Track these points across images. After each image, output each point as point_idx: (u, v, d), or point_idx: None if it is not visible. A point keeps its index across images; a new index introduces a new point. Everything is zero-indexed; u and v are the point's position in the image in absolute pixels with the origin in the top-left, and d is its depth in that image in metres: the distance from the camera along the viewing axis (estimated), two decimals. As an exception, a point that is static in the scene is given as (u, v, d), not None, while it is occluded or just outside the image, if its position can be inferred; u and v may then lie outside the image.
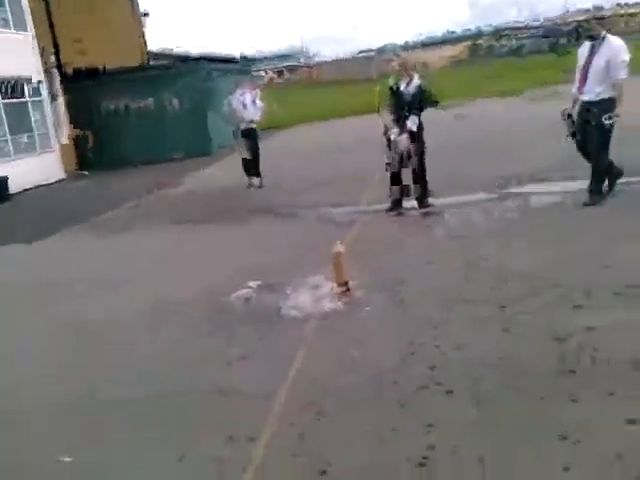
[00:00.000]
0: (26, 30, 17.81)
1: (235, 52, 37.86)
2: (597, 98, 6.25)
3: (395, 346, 3.80)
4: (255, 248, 6.84)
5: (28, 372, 4.33)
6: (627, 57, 6.22)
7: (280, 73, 58.24)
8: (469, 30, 65.42)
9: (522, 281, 4.56)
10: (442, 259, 5.40)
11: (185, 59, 20.27)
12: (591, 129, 6.32)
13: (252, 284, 5.51)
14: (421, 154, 7.37)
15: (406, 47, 52.57)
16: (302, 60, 77.37)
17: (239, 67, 24.52)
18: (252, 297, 5.22)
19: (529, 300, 4.21)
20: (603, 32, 6.34)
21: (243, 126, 11.01)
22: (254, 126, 11.12)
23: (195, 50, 31.30)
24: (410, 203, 7.47)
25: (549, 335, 3.64)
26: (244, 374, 3.79)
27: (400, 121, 7.36)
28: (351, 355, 3.77)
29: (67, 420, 3.58)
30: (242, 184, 11.01)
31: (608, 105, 6.19)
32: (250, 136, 11.07)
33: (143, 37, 25.23)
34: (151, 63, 23.81)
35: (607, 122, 6.17)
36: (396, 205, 7.45)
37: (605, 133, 6.26)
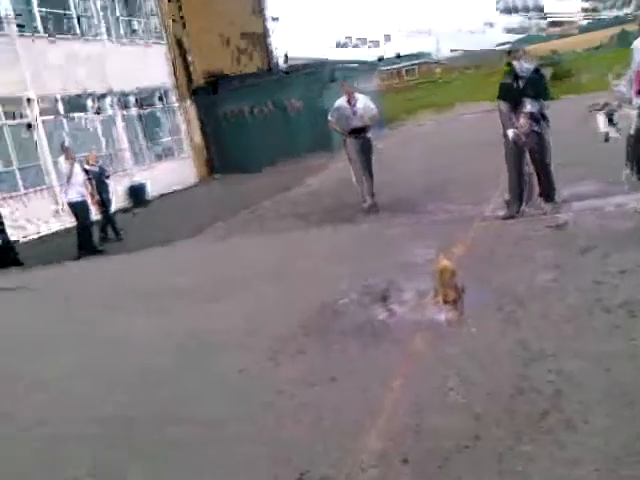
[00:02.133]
0: (160, 40, 18.82)
1: (367, 56, 37.63)
2: None
3: (503, 380, 3.26)
4: (362, 253, 6.54)
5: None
6: None
7: (408, 72, 57.27)
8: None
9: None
10: (567, 277, 4.70)
11: (309, 64, 20.33)
12: None
13: (354, 294, 5.20)
14: (544, 150, 6.64)
15: (546, 38, 49.66)
16: (434, 56, 75.62)
17: (365, 68, 24.24)
18: (351, 308, 4.90)
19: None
20: None
21: (353, 135, 8.90)
22: (368, 136, 8.97)
23: (328, 54, 31.61)
24: (533, 208, 6.74)
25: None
26: (330, 399, 3.45)
27: (517, 108, 6.62)
28: (448, 389, 3.30)
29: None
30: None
31: None
32: (363, 148, 8.93)
33: (270, 41, 25.76)
34: (276, 68, 24.24)
35: None
36: (514, 210, 6.74)
37: None
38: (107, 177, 11.48)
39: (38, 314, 6.81)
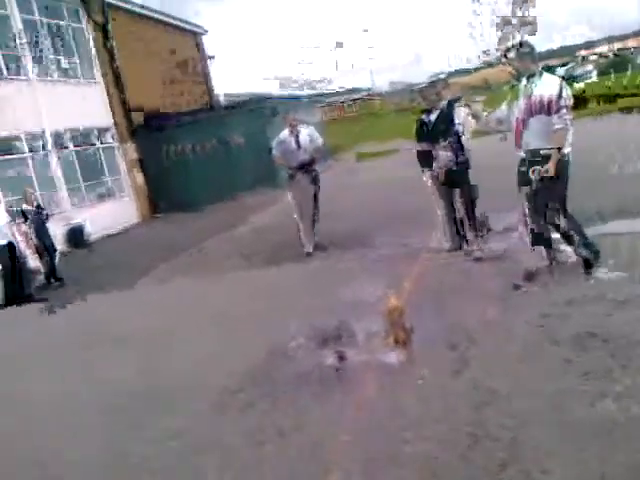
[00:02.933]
0: (94, 79, 18.47)
1: (303, 92, 38.09)
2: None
3: (458, 428, 3.14)
4: (309, 293, 6.38)
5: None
6: None
7: (349, 105, 58.40)
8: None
9: (608, 345, 3.77)
10: (514, 311, 4.67)
11: (252, 99, 20.33)
12: None
13: (302, 337, 5.04)
14: (469, 198, 6.40)
15: (476, 68, 51.42)
16: (371, 90, 77.46)
17: (306, 101, 24.45)
18: (299, 353, 4.72)
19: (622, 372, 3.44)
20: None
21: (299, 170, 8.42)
22: (315, 169, 8.58)
23: (262, 90, 31.73)
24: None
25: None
26: (278, 458, 3.24)
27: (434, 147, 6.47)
28: (401, 439, 3.15)
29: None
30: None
31: None
32: (311, 182, 8.51)
33: (209, 79, 25.76)
34: (217, 104, 24.20)
35: None
36: (457, 244, 6.71)
37: None
38: (46, 218, 10.92)
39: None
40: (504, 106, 5.37)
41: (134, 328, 6.54)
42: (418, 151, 6.74)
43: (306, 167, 8.40)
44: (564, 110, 4.77)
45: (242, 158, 19.06)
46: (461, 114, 5.73)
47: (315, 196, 8.54)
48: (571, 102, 4.83)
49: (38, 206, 10.82)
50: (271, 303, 6.40)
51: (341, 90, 65.96)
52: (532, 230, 5.26)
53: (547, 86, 4.84)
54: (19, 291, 9.42)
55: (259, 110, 18.95)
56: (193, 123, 19.45)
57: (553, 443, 2.83)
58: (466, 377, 3.69)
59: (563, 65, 32.68)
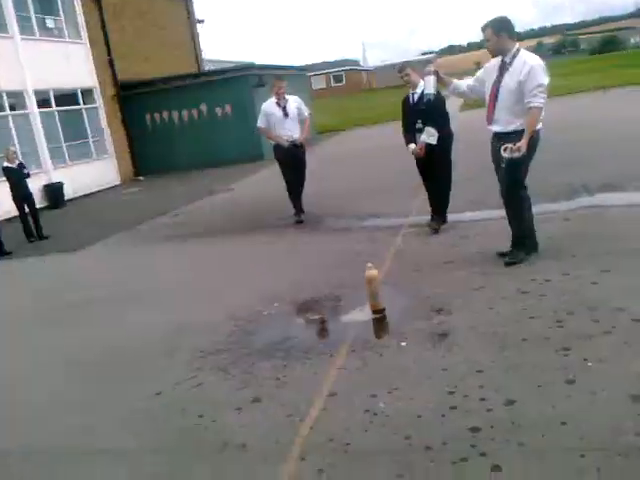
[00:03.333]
0: (80, 39, 18.01)
1: (292, 62, 37.60)
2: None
3: (431, 397, 3.13)
4: (287, 264, 6.32)
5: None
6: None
7: (337, 78, 57.79)
8: (532, 30, 63.30)
9: (593, 313, 3.81)
10: (492, 284, 4.66)
11: (238, 67, 19.93)
12: None
13: (276, 305, 5.00)
14: (441, 166, 6.43)
15: (469, 47, 51.19)
16: (362, 64, 76.75)
17: (294, 72, 24.10)
18: (277, 320, 4.68)
19: (602, 340, 3.45)
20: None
21: (284, 143, 8.03)
22: (297, 141, 8.10)
23: (250, 59, 31.23)
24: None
25: (627, 391, 2.89)
26: (253, 423, 3.20)
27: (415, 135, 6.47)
28: (377, 406, 3.13)
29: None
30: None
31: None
32: (297, 156, 8.17)
33: (197, 45, 25.21)
34: (204, 70, 23.73)
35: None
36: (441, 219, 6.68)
37: None
38: (28, 175, 10.70)
39: None
40: (479, 74, 5.21)
41: (100, 291, 6.45)
42: (403, 128, 6.65)
43: (291, 140, 8.04)
44: (540, 89, 4.66)
45: (227, 126, 18.85)
46: (430, 82, 5.58)
47: (302, 166, 8.32)
48: (546, 81, 4.73)
49: (20, 164, 10.57)
50: (248, 270, 6.34)
51: (330, 61, 65.25)
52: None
53: (523, 64, 4.69)
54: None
55: (246, 78, 18.63)
56: (179, 88, 19.11)
57: (530, 420, 2.84)
58: (444, 350, 3.67)
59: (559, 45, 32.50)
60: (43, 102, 16.27)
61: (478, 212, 7.02)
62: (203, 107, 19.12)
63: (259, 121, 8.27)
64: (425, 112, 6.14)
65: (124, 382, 4.03)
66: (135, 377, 4.08)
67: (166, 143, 19.25)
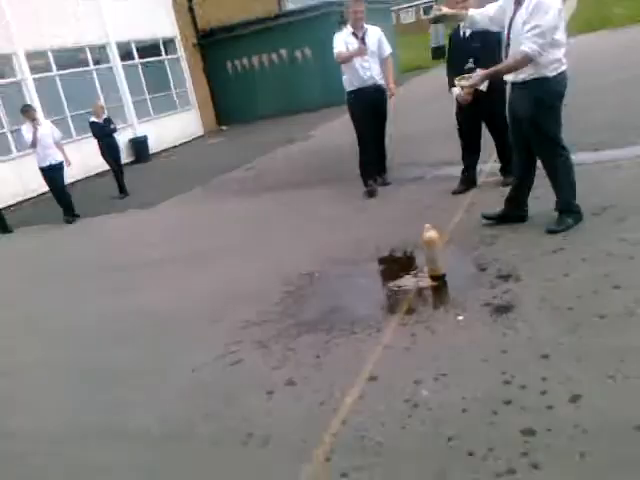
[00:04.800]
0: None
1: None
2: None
3: (483, 386, 2.70)
4: (353, 220, 5.92)
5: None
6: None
7: (427, 11, 54.68)
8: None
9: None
10: (573, 245, 4.04)
11: (318, 4, 19.05)
12: None
13: (332, 267, 4.66)
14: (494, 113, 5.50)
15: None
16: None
17: (380, 7, 22.87)
18: (324, 288, 4.35)
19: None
20: None
21: (360, 83, 6.41)
22: (379, 82, 6.50)
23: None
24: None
25: None
26: (282, 411, 2.92)
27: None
28: (420, 395, 2.74)
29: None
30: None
31: None
32: (375, 103, 6.54)
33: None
34: (284, 10, 22.99)
35: None
36: (464, 184, 5.90)
37: None
38: (114, 130, 10.82)
39: None
40: (501, 2, 4.36)
41: (162, 252, 6.36)
42: (448, 67, 5.80)
43: (373, 78, 6.45)
44: (535, 31, 3.89)
45: (308, 70, 18.27)
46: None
47: (382, 117, 6.77)
48: (549, 23, 3.88)
49: (106, 119, 10.68)
50: (311, 231, 6.01)
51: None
52: None
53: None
54: (71, 208, 9.36)
55: (326, 16, 17.82)
56: (258, 32, 18.59)
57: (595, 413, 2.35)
58: (504, 328, 3.19)
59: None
60: (126, 55, 16.40)
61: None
62: (283, 51, 18.60)
63: (336, 46, 6.40)
64: (480, 50, 5.27)
65: (161, 354, 3.87)
66: (173, 350, 3.90)
67: (247, 91, 18.99)
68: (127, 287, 5.46)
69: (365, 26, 6.45)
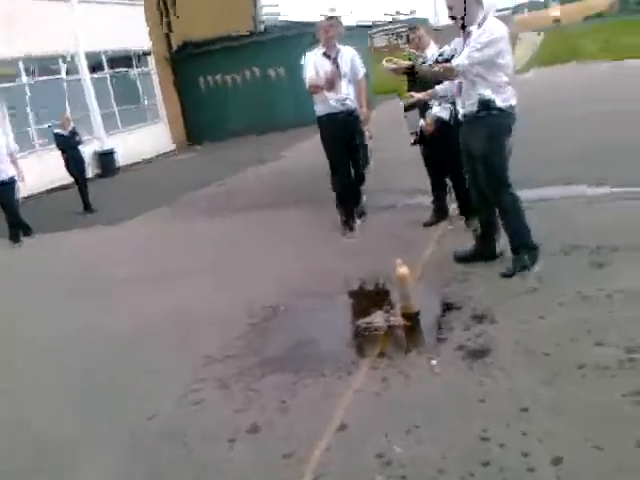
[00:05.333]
0: (139, 1, 17.58)
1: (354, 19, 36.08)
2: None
3: (460, 443, 2.54)
4: (323, 247, 5.76)
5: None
6: None
7: (399, 36, 55.47)
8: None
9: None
10: (548, 287, 3.95)
11: (291, 25, 19.09)
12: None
13: (298, 299, 4.48)
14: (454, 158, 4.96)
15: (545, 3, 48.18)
16: (432, 22, 73.51)
17: (355, 32, 23.02)
18: (290, 321, 4.17)
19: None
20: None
21: (331, 109, 5.85)
22: (352, 107, 5.92)
23: (309, 17, 30.23)
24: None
25: None
26: (243, 462, 2.72)
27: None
28: (392, 450, 2.57)
29: None
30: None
31: None
32: (348, 130, 5.94)
33: (257, 3, 24.44)
34: (258, 30, 22.98)
35: None
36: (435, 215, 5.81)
37: None
38: (79, 143, 10.45)
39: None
40: (452, 46, 4.35)
41: (127, 271, 6.11)
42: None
43: (346, 101, 5.87)
44: (472, 46, 3.93)
45: (281, 89, 18.20)
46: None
47: (356, 144, 6.09)
48: (493, 46, 3.92)
49: (72, 131, 10.33)
50: (275, 256, 5.82)
51: (395, 19, 62.81)
52: None
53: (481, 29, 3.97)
54: (20, 223, 8.82)
55: (299, 38, 17.81)
56: (231, 49, 18.49)
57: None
58: (481, 375, 3.05)
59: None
60: (96, 65, 16.07)
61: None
62: (256, 69, 18.51)
63: (306, 71, 5.84)
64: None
65: (118, 392, 3.61)
66: (132, 387, 3.65)
67: (219, 107, 18.79)
68: (88, 308, 5.19)
69: (338, 46, 5.94)
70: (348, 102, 5.92)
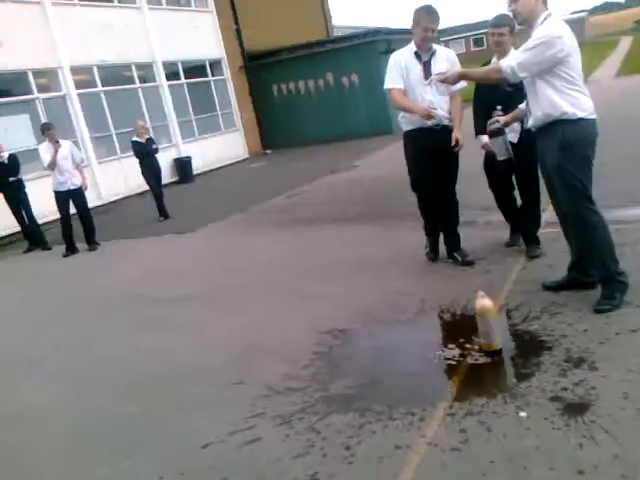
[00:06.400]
0: (207, 7, 17.80)
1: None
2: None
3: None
4: (395, 267, 5.37)
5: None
6: None
7: (477, 42, 54.04)
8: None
9: None
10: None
11: (364, 32, 18.77)
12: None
13: (369, 325, 4.13)
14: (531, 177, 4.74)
15: (627, 4, 45.95)
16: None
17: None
18: (360, 351, 3.82)
19: None
20: None
21: (422, 125, 4.85)
22: (449, 126, 4.86)
23: (381, 23, 29.90)
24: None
25: None
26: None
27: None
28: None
29: None
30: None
31: None
32: (440, 148, 4.83)
33: (327, 10, 24.36)
34: (331, 37, 22.81)
35: None
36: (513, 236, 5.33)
37: None
38: (156, 151, 10.53)
39: None
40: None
41: (186, 288, 5.93)
42: (475, 111, 5.05)
43: (438, 115, 4.77)
44: (522, 48, 3.64)
45: (354, 97, 17.98)
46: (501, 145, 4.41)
47: (450, 167, 5.03)
48: (547, 49, 3.52)
49: (149, 139, 10.44)
50: (350, 271, 5.49)
51: (470, 23, 61.35)
52: None
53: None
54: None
55: (373, 44, 17.48)
56: (305, 57, 18.45)
57: None
58: (578, 435, 2.60)
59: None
60: (172, 74, 16.35)
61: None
62: (329, 76, 18.34)
63: (387, 81, 4.92)
64: (512, 96, 4.47)
65: (168, 418, 3.39)
66: (184, 414, 3.41)
67: (293, 115, 18.80)
68: (148, 324, 5.05)
69: (434, 47, 4.84)
70: (441, 116, 4.82)
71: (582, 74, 3.70)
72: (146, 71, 15.63)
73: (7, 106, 11.91)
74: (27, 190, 9.50)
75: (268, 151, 19.02)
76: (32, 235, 9.64)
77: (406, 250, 5.75)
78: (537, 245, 4.99)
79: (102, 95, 13.98)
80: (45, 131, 8.62)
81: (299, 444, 2.90)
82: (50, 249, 9.37)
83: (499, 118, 4.40)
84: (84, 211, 8.79)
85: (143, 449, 3.14)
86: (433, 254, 5.36)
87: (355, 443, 2.82)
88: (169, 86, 16.04)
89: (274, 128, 19.14)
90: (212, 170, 16.75)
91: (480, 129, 4.82)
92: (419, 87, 4.81)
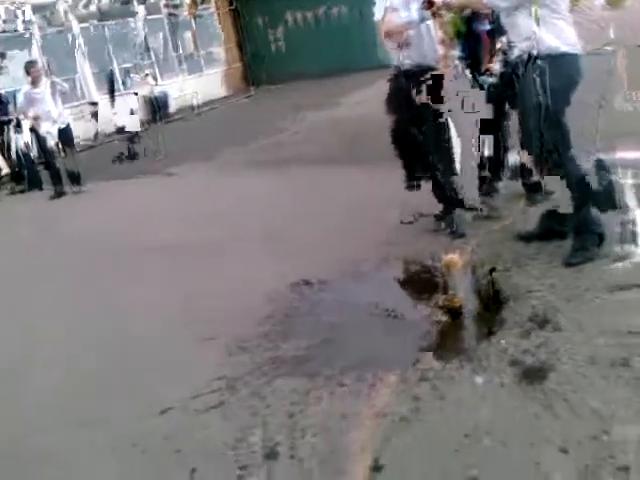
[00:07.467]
0: None
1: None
2: None
3: None
4: (366, 215, 5.05)
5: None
6: None
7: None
8: None
9: None
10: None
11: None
12: None
13: (329, 279, 3.90)
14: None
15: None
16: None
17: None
18: (315, 308, 3.60)
19: None
20: None
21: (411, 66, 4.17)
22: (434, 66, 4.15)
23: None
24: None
25: None
26: None
27: None
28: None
29: None
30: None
31: None
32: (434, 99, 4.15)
33: None
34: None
35: None
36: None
37: None
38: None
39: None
40: None
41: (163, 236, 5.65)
42: None
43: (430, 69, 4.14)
44: None
45: (344, 29, 17.20)
46: None
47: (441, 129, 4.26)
48: None
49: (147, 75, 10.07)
50: (321, 219, 5.21)
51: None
52: None
53: None
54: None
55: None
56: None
57: None
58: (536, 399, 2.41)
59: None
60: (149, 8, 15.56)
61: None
62: (320, 8, 17.55)
63: (376, 13, 4.28)
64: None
65: (131, 386, 3.16)
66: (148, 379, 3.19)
67: (280, 48, 18.08)
68: (120, 277, 4.77)
69: None
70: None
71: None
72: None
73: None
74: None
75: (253, 87, 18.35)
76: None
77: (389, 194, 5.29)
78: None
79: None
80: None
81: (244, 413, 2.70)
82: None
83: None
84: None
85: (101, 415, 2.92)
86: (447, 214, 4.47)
87: (298, 411, 2.63)
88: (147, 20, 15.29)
89: (261, 62, 18.40)
90: (200, 105, 16.03)
91: None
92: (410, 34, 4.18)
